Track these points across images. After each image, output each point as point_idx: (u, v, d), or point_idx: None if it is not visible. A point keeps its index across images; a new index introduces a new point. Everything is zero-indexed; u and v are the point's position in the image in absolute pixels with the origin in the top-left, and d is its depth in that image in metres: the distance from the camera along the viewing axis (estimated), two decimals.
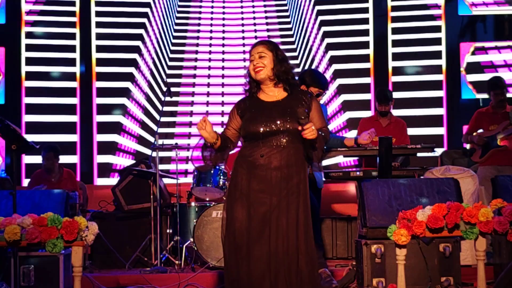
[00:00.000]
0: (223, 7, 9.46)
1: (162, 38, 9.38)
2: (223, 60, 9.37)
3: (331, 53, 9.33)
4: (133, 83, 9.30)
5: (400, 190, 5.41)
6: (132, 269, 6.86)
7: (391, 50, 9.26)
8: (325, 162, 7.80)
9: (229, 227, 3.97)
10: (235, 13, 9.44)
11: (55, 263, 5.25)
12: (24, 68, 9.19)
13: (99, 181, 9.15)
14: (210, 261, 6.55)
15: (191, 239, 6.75)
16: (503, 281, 4.96)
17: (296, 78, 4.20)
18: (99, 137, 9.21)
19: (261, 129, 3.97)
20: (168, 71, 9.29)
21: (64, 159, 8.06)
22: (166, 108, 8.67)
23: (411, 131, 7.60)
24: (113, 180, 8.95)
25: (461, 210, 4.61)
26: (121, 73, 9.31)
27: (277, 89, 4.09)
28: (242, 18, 9.41)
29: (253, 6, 9.47)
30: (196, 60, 9.38)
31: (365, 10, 9.32)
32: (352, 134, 9.04)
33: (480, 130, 7.33)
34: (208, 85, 9.35)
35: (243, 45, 9.31)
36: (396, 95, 9.08)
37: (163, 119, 8.87)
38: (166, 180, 7.79)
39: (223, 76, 9.34)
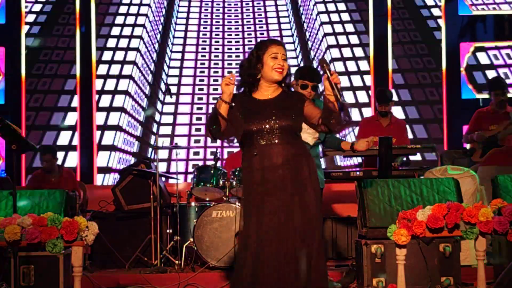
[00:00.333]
0: (223, 7, 9.46)
1: (162, 38, 9.38)
2: (222, 60, 9.37)
3: (331, 51, 9.33)
4: (133, 83, 9.30)
5: (400, 190, 5.41)
6: (132, 269, 6.85)
7: (391, 50, 9.26)
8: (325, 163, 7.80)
9: (243, 233, 3.98)
10: (235, 13, 9.44)
11: (55, 263, 5.24)
12: (24, 68, 9.19)
13: (99, 181, 9.15)
14: (210, 261, 6.55)
15: (191, 239, 6.75)
16: (503, 281, 4.95)
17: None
18: (99, 137, 9.20)
19: (254, 129, 3.97)
20: (169, 71, 9.28)
21: (64, 159, 8.06)
22: (166, 109, 8.70)
23: (411, 131, 7.59)
24: (113, 180, 8.96)
25: (461, 210, 4.62)
26: (121, 73, 9.30)
27: (272, 88, 4.08)
28: (242, 18, 9.41)
29: (253, 6, 9.47)
30: (196, 60, 9.38)
31: (365, 10, 9.33)
32: (351, 133, 9.04)
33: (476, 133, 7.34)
34: (208, 85, 9.35)
35: (243, 45, 9.30)
36: (396, 95, 9.10)
37: (163, 119, 8.88)
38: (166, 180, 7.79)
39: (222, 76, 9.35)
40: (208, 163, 8.18)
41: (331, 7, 9.43)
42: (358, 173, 6.67)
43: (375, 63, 9.27)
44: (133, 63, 9.32)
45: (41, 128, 9.12)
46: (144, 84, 9.33)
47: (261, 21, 9.39)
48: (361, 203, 5.45)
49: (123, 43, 9.36)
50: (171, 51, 9.42)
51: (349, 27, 9.39)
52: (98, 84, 9.27)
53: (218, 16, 9.42)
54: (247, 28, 9.35)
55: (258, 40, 4.21)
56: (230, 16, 9.42)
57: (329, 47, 9.36)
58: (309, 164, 4.02)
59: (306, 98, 4.11)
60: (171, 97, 7.43)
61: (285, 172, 3.94)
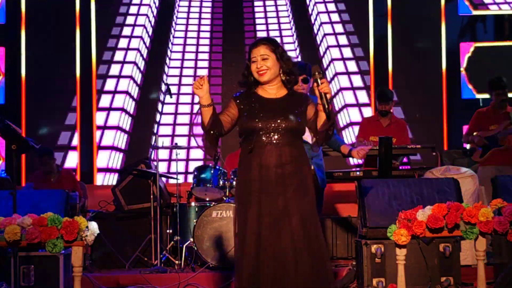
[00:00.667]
0: (223, 7, 9.46)
1: (162, 37, 9.38)
2: (222, 60, 9.37)
3: (331, 51, 9.33)
4: (133, 83, 9.30)
5: (400, 190, 5.41)
6: (132, 269, 6.86)
7: (391, 50, 9.26)
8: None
9: (241, 233, 3.96)
10: (235, 13, 9.44)
11: (55, 263, 5.24)
12: (24, 68, 9.19)
13: (99, 181, 9.15)
14: (210, 261, 6.55)
15: (191, 239, 6.75)
16: (503, 281, 4.96)
17: None
18: (99, 137, 9.20)
19: (259, 126, 3.96)
20: (169, 71, 9.28)
21: (64, 159, 8.06)
22: (166, 109, 8.70)
23: (411, 131, 7.59)
24: (113, 180, 8.96)
25: (461, 210, 4.62)
26: (121, 72, 9.31)
27: (276, 87, 4.06)
28: (243, 18, 9.40)
29: (253, 6, 9.46)
30: (196, 60, 9.38)
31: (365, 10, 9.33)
32: (351, 133, 9.04)
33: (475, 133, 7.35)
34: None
35: (244, 45, 9.30)
36: (396, 95, 9.10)
37: (163, 119, 8.87)
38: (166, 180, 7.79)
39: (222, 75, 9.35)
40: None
41: (331, 7, 9.43)
42: (358, 173, 6.66)
43: (375, 63, 9.26)
44: (133, 63, 9.32)
45: (41, 128, 9.13)
46: (144, 84, 9.33)
47: (261, 21, 9.39)
48: (361, 203, 5.45)
49: (123, 43, 9.36)
50: (171, 51, 9.41)
51: (349, 27, 9.38)
52: (98, 83, 9.27)
53: (218, 16, 9.42)
54: (248, 28, 9.34)
55: (258, 38, 4.13)
56: (231, 16, 9.42)
57: (329, 47, 9.36)
58: (307, 166, 4.03)
59: (309, 99, 4.08)
60: (171, 97, 7.41)
61: (283, 172, 3.93)
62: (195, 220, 6.78)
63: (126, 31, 9.38)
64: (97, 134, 9.20)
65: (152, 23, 9.41)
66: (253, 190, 3.93)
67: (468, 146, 7.94)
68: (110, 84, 9.30)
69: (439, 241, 5.21)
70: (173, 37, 9.44)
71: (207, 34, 9.44)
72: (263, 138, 3.95)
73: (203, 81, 3.84)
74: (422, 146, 6.74)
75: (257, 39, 4.14)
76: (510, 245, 5.37)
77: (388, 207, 5.31)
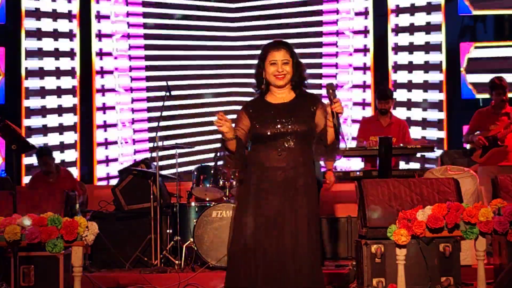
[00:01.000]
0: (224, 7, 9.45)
1: (162, 37, 9.38)
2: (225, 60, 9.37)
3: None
4: (133, 82, 9.30)
5: (400, 190, 5.41)
6: (132, 269, 6.86)
7: (391, 50, 9.25)
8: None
9: (238, 231, 3.97)
10: (235, 13, 9.44)
11: (55, 263, 5.24)
12: (24, 68, 9.19)
13: (99, 181, 9.15)
14: (210, 261, 6.55)
15: (191, 239, 6.75)
16: (503, 281, 4.96)
17: None
18: (99, 137, 9.20)
19: (269, 132, 3.97)
20: (169, 72, 9.27)
21: (64, 159, 8.06)
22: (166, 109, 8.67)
23: (411, 132, 7.59)
24: (113, 180, 8.95)
25: (461, 210, 4.62)
26: (121, 72, 9.31)
27: (286, 91, 4.08)
28: (243, 18, 9.40)
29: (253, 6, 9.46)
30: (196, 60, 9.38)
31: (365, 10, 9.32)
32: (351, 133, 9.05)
33: (477, 132, 7.34)
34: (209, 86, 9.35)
35: (245, 44, 9.30)
36: (396, 95, 9.10)
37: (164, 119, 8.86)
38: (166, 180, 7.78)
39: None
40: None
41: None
42: (358, 173, 6.67)
43: (375, 63, 9.26)
44: (134, 62, 9.32)
45: (41, 128, 9.12)
46: (144, 83, 9.33)
47: (261, 20, 9.38)
48: (361, 203, 5.45)
49: (123, 43, 9.36)
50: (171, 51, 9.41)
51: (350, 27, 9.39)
52: (98, 83, 9.27)
53: (219, 15, 9.40)
54: (247, 28, 9.34)
55: (277, 40, 4.12)
56: (231, 15, 9.41)
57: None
58: (312, 172, 4.04)
59: (319, 103, 4.08)
60: (170, 94, 7.41)
61: (287, 176, 3.95)
62: (195, 220, 6.78)
63: (127, 30, 9.38)
64: (97, 133, 9.19)
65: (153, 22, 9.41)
66: (256, 191, 3.96)
67: (468, 146, 7.93)
68: (110, 84, 9.30)
69: (439, 241, 5.21)
70: (174, 36, 9.42)
71: (208, 34, 9.42)
72: (273, 143, 3.97)
73: (223, 117, 3.85)
74: (422, 146, 6.75)
75: (276, 41, 4.12)
76: (510, 245, 5.37)
77: (388, 207, 5.31)
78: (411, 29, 9.26)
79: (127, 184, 7.41)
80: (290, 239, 3.89)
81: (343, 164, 8.89)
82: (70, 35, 9.24)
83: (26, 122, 9.06)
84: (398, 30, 9.26)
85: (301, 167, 3.97)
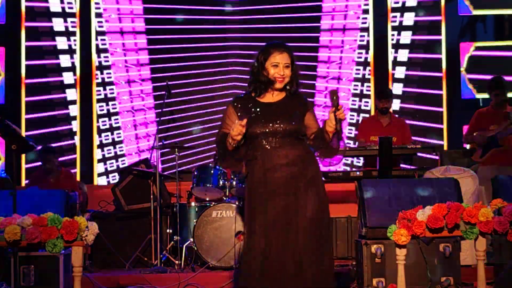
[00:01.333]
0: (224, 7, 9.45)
1: (162, 36, 9.37)
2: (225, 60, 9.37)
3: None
4: (133, 83, 9.30)
5: (400, 190, 5.42)
6: (132, 269, 6.85)
7: (391, 50, 9.26)
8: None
9: (249, 237, 3.99)
10: (237, 13, 9.44)
11: (55, 263, 5.24)
12: (24, 68, 9.19)
13: (99, 181, 9.15)
14: (210, 261, 6.55)
15: (191, 239, 6.75)
16: (503, 281, 4.96)
17: None
18: (99, 137, 9.20)
19: (259, 131, 3.98)
20: (169, 72, 9.27)
21: (64, 159, 8.06)
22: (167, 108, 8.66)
23: (412, 132, 7.59)
24: (113, 180, 8.95)
25: (461, 210, 4.62)
26: (121, 72, 9.31)
27: (278, 92, 4.11)
28: (243, 18, 9.40)
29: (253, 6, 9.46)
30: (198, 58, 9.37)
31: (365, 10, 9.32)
32: (351, 132, 9.05)
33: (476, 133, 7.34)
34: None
35: (245, 44, 9.30)
36: (396, 95, 9.11)
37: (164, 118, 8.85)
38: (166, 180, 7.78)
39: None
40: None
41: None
42: (358, 173, 6.67)
43: (375, 63, 9.26)
44: (134, 62, 9.32)
45: (41, 128, 9.12)
46: (144, 83, 9.32)
47: (262, 20, 9.38)
48: (361, 203, 5.45)
49: (124, 41, 9.36)
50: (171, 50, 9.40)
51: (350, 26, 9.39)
52: (98, 83, 9.28)
53: (220, 15, 9.40)
54: (248, 28, 9.33)
55: (279, 43, 4.15)
56: (231, 15, 9.41)
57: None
58: (313, 166, 4.05)
59: (308, 104, 4.13)
60: (170, 94, 7.41)
61: (288, 173, 3.96)
62: (195, 220, 6.78)
63: (127, 28, 9.38)
64: (97, 133, 9.19)
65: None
66: (260, 192, 3.97)
67: (468, 146, 7.93)
68: (110, 83, 9.30)
69: (439, 241, 5.21)
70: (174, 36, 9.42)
71: (208, 34, 9.42)
72: (264, 142, 3.99)
73: (244, 128, 3.87)
74: (422, 146, 6.75)
75: (278, 43, 4.14)
76: (510, 245, 5.37)
77: (388, 207, 5.31)
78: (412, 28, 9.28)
79: (127, 184, 7.41)
80: (295, 239, 3.90)
81: (342, 164, 8.90)
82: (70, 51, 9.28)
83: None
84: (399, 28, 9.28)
85: (297, 164, 3.98)
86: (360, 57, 9.27)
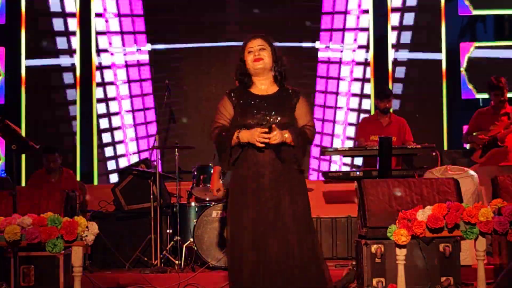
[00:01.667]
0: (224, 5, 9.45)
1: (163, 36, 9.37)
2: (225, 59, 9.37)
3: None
4: (133, 83, 9.30)
5: (400, 190, 5.41)
6: (132, 269, 6.86)
7: (391, 50, 9.26)
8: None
9: (234, 231, 3.99)
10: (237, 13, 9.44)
11: (55, 263, 5.24)
12: (24, 68, 9.19)
13: (99, 181, 9.15)
14: (210, 261, 6.55)
15: (191, 239, 6.75)
16: (503, 281, 4.96)
17: None
18: (99, 137, 9.20)
19: (251, 121, 4.01)
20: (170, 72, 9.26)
21: (64, 159, 8.05)
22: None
23: (411, 132, 7.59)
24: (113, 180, 8.95)
25: (461, 210, 4.62)
26: (121, 72, 9.30)
27: (268, 83, 4.15)
28: (244, 18, 9.40)
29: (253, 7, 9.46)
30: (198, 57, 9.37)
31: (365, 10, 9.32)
32: (352, 133, 9.05)
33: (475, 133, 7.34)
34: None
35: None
36: (396, 95, 9.10)
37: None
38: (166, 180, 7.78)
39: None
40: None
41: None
42: (358, 173, 6.66)
43: (375, 63, 9.26)
44: (134, 61, 9.32)
45: (41, 128, 9.13)
46: (145, 84, 9.32)
47: (261, 20, 9.38)
48: (361, 203, 5.45)
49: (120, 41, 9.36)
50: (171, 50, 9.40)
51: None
52: (98, 81, 9.28)
53: (220, 13, 9.40)
54: (249, 28, 9.33)
55: (254, 34, 4.25)
56: (233, 15, 9.41)
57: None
58: (301, 161, 4.08)
59: (300, 96, 4.16)
60: (170, 94, 7.41)
61: (276, 169, 3.99)
62: (195, 220, 6.78)
63: (127, 27, 9.38)
64: (97, 133, 9.19)
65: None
66: (248, 188, 3.99)
67: (468, 146, 7.93)
68: (110, 84, 9.30)
69: (439, 241, 5.21)
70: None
71: (209, 32, 9.41)
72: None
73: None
74: (422, 146, 6.74)
75: (252, 34, 4.23)
76: (510, 245, 5.37)
77: (388, 207, 5.31)
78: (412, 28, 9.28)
79: (127, 184, 7.41)
80: (281, 236, 3.94)
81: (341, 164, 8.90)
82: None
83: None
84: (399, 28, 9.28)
85: (285, 161, 4.01)
86: (360, 57, 9.28)
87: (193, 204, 7.16)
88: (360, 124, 7.58)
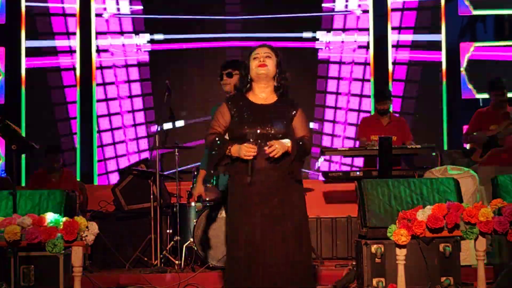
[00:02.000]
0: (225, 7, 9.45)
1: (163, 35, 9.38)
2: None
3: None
4: (133, 83, 9.30)
5: (400, 190, 5.41)
6: (132, 269, 6.86)
7: (391, 50, 9.26)
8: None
9: (234, 238, 4.04)
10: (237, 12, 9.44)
11: (55, 263, 5.24)
12: (24, 68, 9.20)
13: (99, 181, 9.15)
14: (210, 261, 6.55)
15: (191, 239, 6.75)
16: (503, 281, 4.96)
17: None
18: (99, 137, 9.21)
19: (248, 131, 4.02)
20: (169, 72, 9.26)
21: (64, 159, 8.06)
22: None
23: (411, 132, 7.59)
24: (113, 180, 8.95)
25: (461, 210, 4.62)
26: (121, 71, 9.31)
27: (268, 91, 4.17)
28: (244, 18, 9.40)
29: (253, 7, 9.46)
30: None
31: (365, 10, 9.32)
32: (351, 133, 9.05)
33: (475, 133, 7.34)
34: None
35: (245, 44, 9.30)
36: (396, 95, 9.11)
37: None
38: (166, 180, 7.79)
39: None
40: None
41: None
42: (358, 173, 6.67)
43: (375, 63, 9.26)
44: (133, 61, 9.33)
45: (41, 127, 9.13)
46: (145, 85, 9.33)
47: (261, 20, 9.38)
48: (361, 203, 5.45)
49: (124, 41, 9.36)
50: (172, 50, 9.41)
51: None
52: (98, 81, 9.28)
53: (221, 13, 9.40)
54: (248, 28, 9.33)
55: (263, 43, 4.32)
56: (232, 15, 9.41)
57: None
58: (297, 170, 4.12)
59: (297, 108, 4.20)
60: (170, 94, 7.41)
61: (274, 175, 4.03)
62: (195, 220, 6.78)
63: (127, 27, 9.38)
64: (97, 133, 9.20)
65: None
66: (246, 193, 4.02)
67: (468, 146, 7.93)
68: (110, 84, 9.30)
69: (439, 241, 5.21)
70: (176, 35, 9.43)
71: (209, 33, 9.42)
72: (253, 143, 4.03)
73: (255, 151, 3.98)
74: (422, 146, 6.75)
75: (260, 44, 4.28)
76: (510, 245, 5.37)
77: (388, 207, 5.31)
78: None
79: (127, 184, 7.41)
80: (280, 240, 3.98)
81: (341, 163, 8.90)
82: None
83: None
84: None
85: (280, 168, 4.04)
86: (360, 57, 9.28)
87: (193, 204, 7.16)
88: (360, 124, 7.59)
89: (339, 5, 9.31)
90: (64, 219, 4.56)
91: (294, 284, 3.98)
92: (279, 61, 4.17)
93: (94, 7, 9.30)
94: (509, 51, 9.19)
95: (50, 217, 4.60)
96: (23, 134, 7.61)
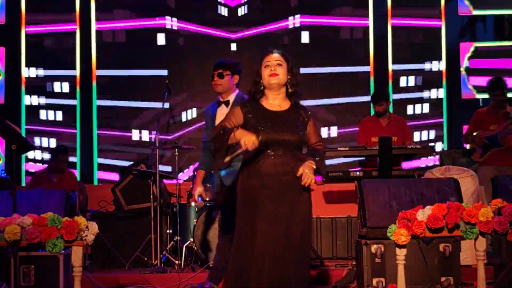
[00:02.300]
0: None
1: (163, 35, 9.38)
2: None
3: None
4: (133, 82, 9.31)
5: (400, 190, 5.42)
6: (132, 269, 6.86)
7: (391, 50, 9.26)
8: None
9: (244, 239, 4.05)
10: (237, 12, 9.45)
11: (55, 263, 5.24)
12: (24, 68, 9.20)
13: (99, 181, 9.15)
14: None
15: (191, 239, 6.75)
16: (503, 281, 4.96)
17: None
18: (99, 137, 9.21)
19: (262, 137, 4.04)
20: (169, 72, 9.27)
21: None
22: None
23: (411, 132, 7.60)
24: (113, 180, 8.95)
25: (461, 210, 4.62)
26: (121, 71, 9.31)
27: (280, 98, 4.22)
28: (244, 19, 9.40)
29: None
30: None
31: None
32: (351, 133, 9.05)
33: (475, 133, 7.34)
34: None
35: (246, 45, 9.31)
36: (396, 95, 9.11)
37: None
38: (166, 180, 7.78)
39: None
40: None
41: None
42: (358, 173, 6.67)
43: (375, 63, 9.26)
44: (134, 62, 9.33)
45: (41, 127, 9.13)
46: (144, 82, 9.33)
47: (262, 19, 9.38)
48: (361, 203, 5.45)
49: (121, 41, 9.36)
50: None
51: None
52: (98, 82, 9.28)
53: (221, 13, 9.40)
54: (249, 28, 9.34)
55: (274, 48, 4.33)
56: (233, 14, 9.41)
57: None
58: (324, 171, 4.19)
59: (310, 115, 4.25)
60: (170, 94, 7.41)
61: (283, 181, 4.07)
62: (195, 220, 6.78)
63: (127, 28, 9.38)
64: (97, 133, 9.20)
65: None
66: (255, 197, 4.06)
67: (468, 146, 7.93)
68: (111, 87, 9.30)
69: (439, 241, 5.21)
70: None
71: (210, 32, 9.42)
72: (269, 150, 4.09)
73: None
74: (422, 146, 6.75)
75: (270, 48, 4.29)
76: (510, 245, 5.37)
77: (388, 207, 5.31)
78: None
79: (127, 184, 7.41)
80: (285, 242, 4.02)
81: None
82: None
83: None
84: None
85: (291, 173, 4.08)
86: (360, 57, 9.28)
87: (193, 204, 7.16)
88: (360, 125, 7.59)
89: None
90: (64, 219, 4.56)
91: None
92: (291, 67, 4.22)
93: (94, 7, 9.30)
94: (509, 51, 9.19)
95: (50, 217, 4.59)
96: (23, 134, 7.61)
